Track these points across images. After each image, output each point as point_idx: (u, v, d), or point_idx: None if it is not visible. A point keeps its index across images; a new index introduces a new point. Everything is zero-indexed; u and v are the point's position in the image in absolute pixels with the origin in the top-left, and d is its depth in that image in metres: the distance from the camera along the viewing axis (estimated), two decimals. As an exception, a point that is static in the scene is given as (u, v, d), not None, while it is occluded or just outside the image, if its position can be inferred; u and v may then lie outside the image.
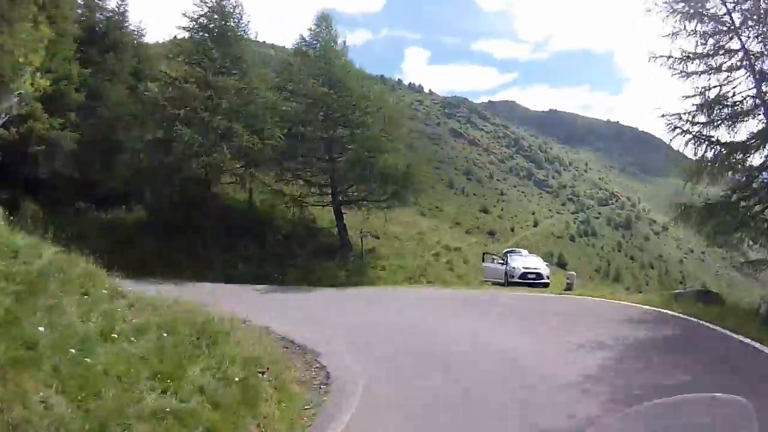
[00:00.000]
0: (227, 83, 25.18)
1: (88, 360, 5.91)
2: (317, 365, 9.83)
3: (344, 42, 30.12)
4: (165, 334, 7.50)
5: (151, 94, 24.71)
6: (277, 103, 27.09)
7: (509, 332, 12.12)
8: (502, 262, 24.00)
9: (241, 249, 25.58)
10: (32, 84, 14.09)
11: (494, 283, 23.37)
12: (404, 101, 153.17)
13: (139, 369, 6.24)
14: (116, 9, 32.74)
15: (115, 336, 6.98)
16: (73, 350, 6.04)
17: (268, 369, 8.06)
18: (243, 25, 28.27)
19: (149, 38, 39.91)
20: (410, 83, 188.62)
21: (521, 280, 22.43)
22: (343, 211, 28.21)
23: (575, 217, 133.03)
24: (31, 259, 9.04)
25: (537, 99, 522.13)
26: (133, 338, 7.07)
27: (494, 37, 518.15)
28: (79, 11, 30.97)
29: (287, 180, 28.30)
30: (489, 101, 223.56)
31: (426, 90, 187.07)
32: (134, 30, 33.81)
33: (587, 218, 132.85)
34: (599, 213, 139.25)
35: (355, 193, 28.44)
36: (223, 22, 27.19)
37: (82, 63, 28.34)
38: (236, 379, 6.97)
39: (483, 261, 26.23)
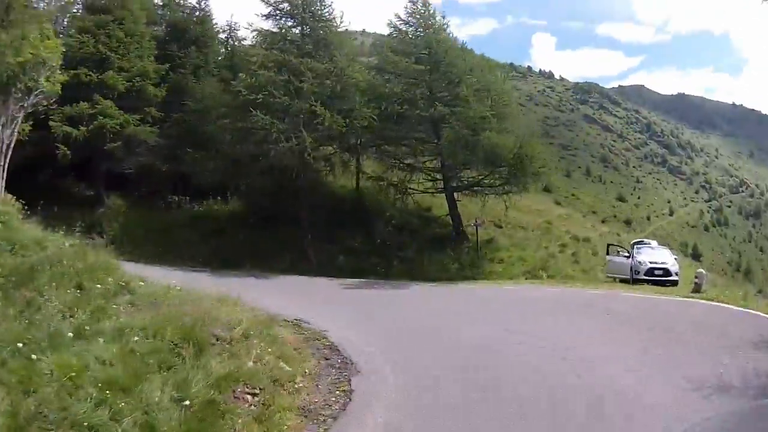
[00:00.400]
0: (310, 66, 23.66)
1: (33, 357, 5.72)
2: (345, 388, 7.69)
3: (443, 17, 27.62)
4: (147, 338, 6.80)
5: (236, 85, 23.99)
6: (372, 84, 25.36)
7: (607, 356, 9.08)
8: (627, 255, 20.53)
9: (346, 240, 24.09)
10: (48, 80, 14.11)
11: (620, 280, 20.07)
12: (535, 88, 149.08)
13: (94, 374, 5.72)
14: (197, 5, 33.27)
15: (89, 335, 6.62)
16: (20, 344, 5.89)
17: (261, 390, 6.56)
18: (328, 6, 26.47)
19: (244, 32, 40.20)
20: (540, 70, 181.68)
21: (647, 277, 19.05)
22: (457, 198, 25.86)
23: (708, 205, 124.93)
24: (31, 253, 9.33)
25: (664, 82, 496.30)
26: (108, 339, 6.56)
27: (617, 20, 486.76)
28: (159, 12, 32.64)
29: (393, 165, 26.14)
30: (619, 86, 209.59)
31: (556, 76, 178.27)
32: (221, 24, 34.79)
33: (719, 207, 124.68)
34: (730, 201, 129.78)
35: (470, 178, 25.89)
36: (307, 6, 25.69)
37: (164, 60, 29.11)
38: (196, 402, 5.75)
39: (607, 254, 22.76)
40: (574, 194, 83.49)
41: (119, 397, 5.37)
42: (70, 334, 6.41)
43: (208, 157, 25.17)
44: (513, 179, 23.93)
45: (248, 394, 6.45)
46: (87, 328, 6.72)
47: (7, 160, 13.65)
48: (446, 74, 25.01)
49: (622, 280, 19.92)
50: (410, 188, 25.58)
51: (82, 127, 24.48)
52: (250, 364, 7.13)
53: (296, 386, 7.36)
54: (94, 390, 5.39)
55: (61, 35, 23.21)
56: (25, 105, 14.32)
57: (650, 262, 19.57)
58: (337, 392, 7.48)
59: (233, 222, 25.54)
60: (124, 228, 26.15)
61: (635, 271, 19.33)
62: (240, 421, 5.80)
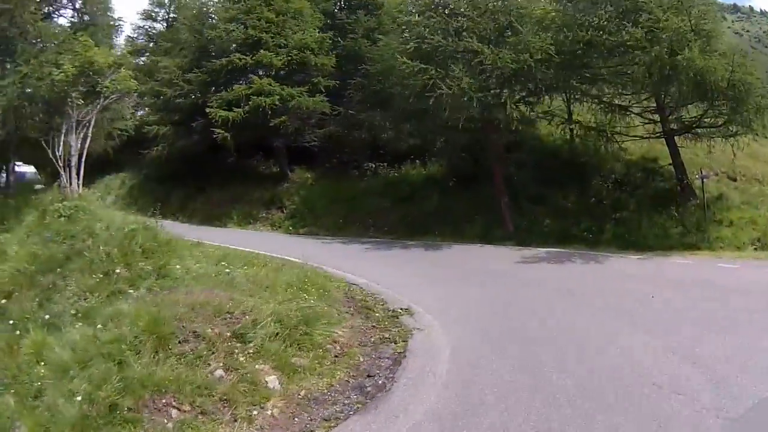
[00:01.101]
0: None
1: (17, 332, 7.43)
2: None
3: None
4: (123, 326, 6.75)
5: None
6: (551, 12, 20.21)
7: None
8: None
9: (557, 200, 20.04)
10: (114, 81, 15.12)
11: None
12: (761, 29, 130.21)
13: (50, 354, 6.42)
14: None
15: (84, 319, 7.41)
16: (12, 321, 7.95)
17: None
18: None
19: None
20: (761, 10, 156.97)
21: None
22: (678, 144, 20.48)
23: None
24: (75, 242, 10.73)
25: None
26: (99, 323, 6.94)
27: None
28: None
29: (602, 107, 20.92)
30: None
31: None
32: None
33: None
34: None
35: (691, 118, 20.08)
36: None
37: (332, 29, 28.24)
38: (100, 403, 5.40)
39: None
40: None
41: (48, 380, 5.92)
42: (72, 315, 7.54)
43: (398, 120, 22.98)
44: (735, 116, 18.05)
45: (175, 408, 5.62)
46: (84, 312, 7.67)
47: (82, 161, 14.48)
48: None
49: None
50: (617, 133, 20.49)
51: (237, 109, 24.33)
52: (219, 373, 6.28)
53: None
54: (40, 369, 6.24)
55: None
56: (96, 108, 15.03)
57: None
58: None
59: (429, 186, 22.92)
60: (305, 201, 25.37)
61: None
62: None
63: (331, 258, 15.66)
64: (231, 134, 24.60)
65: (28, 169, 29.77)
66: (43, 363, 6.38)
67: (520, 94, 19.60)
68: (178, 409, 5.66)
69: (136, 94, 18.53)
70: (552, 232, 17.88)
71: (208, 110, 24.87)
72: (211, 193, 28.55)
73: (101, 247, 10.05)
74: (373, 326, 9.08)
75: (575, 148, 21.45)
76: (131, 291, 8.54)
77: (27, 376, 6.40)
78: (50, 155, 14.24)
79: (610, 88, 19.11)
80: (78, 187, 14.30)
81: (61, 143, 14.21)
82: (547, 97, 20.14)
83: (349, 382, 6.95)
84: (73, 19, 16.51)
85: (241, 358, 6.69)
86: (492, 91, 17.71)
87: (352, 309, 9.95)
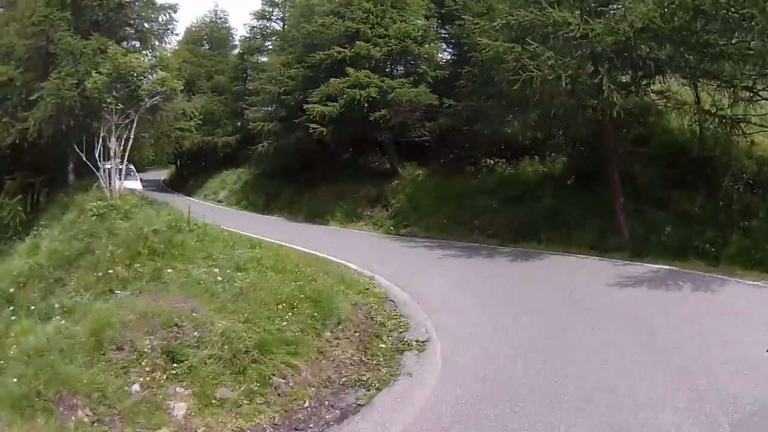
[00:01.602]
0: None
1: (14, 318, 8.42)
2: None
3: None
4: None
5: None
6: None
7: None
8: None
9: (681, 204, 17.13)
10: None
11: None
12: None
13: (24, 344, 6.79)
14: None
15: (68, 314, 8.14)
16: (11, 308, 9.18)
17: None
18: None
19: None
20: None
21: None
22: None
23: None
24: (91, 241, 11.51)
25: None
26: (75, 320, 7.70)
27: None
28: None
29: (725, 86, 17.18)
30: None
31: None
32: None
33: None
34: None
35: None
36: None
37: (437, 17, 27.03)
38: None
39: None
40: None
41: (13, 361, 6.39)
42: (58, 309, 8.30)
43: (510, 110, 21.18)
44: None
45: (81, 410, 5.74)
46: (69, 307, 8.20)
47: (124, 161, 15.18)
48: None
49: None
50: (746, 122, 16.82)
51: (332, 103, 23.73)
52: (135, 387, 6.28)
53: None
54: (11, 351, 6.77)
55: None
56: (138, 111, 15.51)
57: None
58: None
59: (543, 185, 20.81)
60: (411, 199, 24.08)
61: None
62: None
63: (402, 265, 14.77)
64: (329, 129, 24.04)
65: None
66: (16, 347, 6.87)
67: (622, 76, 16.78)
68: (83, 412, 5.84)
69: (182, 93, 18.61)
70: (671, 243, 15.21)
71: (305, 106, 24.49)
72: (318, 190, 28.23)
73: (109, 247, 10.76)
74: (362, 361, 7.85)
75: (705, 142, 18.34)
76: (119, 291, 9.06)
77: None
78: (84, 158, 15.07)
79: (733, 65, 15.60)
80: (119, 186, 14.95)
81: (99, 146, 14.96)
82: (659, 79, 17.06)
83: (265, 430, 6.07)
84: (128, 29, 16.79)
85: (162, 377, 6.46)
86: (585, 70, 15.45)
87: (356, 334, 8.87)
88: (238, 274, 9.95)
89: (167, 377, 6.45)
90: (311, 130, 24.31)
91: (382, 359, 7.89)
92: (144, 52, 15.93)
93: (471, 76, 23.39)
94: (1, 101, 15.60)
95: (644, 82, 16.98)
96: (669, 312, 9.87)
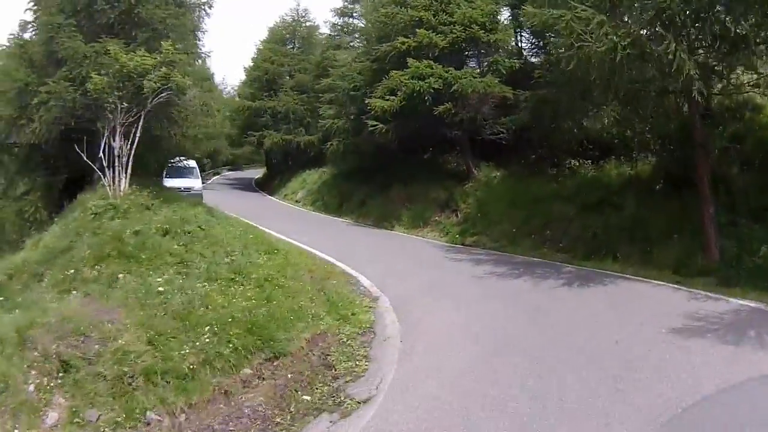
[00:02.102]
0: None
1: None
2: None
3: None
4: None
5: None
6: None
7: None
8: None
9: None
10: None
11: None
12: None
13: None
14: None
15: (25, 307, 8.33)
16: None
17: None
18: None
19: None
20: None
21: None
22: None
23: None
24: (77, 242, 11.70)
25: None
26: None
27: None
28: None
29: None
30: None
31: None
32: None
33: None
34: None
35: None
36: None
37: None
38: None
39: None
40: None
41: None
42: (26, 304, 8.45)
43: (589, 102, 18.43)
44: None
45: None
46: (24, 304, 8.40)
47: (129, 165, 14.93)
48: None
49: None
50: None
51: (391, 97, 22.07)
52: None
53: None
54: None
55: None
56: (143, 109, 15.22)
57: None
58: None
59: (627, 190, 17.92)
60: (481, 204, 21.79)
61: None
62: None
63: (427, 285, 13.14)
64: (392, 126, 22.34)
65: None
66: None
67: (698, 49, 13.34)
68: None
69: (196, 91, 18.11)
70: (765, 269, 12.00)
71: (366, 101, 22.96)
72: (390, 191, 26.53)
73: (84, 247, 11.02)
74: (266, 416, 6.71)
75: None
76: (74, 292, 9.33)
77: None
78: (84, 158, 14.76)
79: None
80: (123, 186, 14.60)
81: (103, 146, 14.72)
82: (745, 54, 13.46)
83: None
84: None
85: (51, 384, 6.50)
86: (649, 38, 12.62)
87: (288, 376, 7.74)
88: (200, 284, 9.63)
89: (55, 385, 6.50)
90: (371, 128, 22.80)
91: (289, 419, 6.37)
92: (157, 51, 15.22)
93: (548, 65, 20.91)
94: (21, 105, 15.85)
95: (728, 59, 13.27)
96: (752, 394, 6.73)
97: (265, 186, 47.11)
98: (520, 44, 25.40)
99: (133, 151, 14.89)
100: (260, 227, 18.53)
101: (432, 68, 21.55)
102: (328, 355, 8.39)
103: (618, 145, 19.98)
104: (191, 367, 7.12)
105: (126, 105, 14.82)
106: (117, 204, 13.39)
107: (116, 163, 14.59)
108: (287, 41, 47.19)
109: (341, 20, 40.10)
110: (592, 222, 17.36)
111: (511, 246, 18.35)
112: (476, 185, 23.07)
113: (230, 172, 62.67)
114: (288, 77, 43.69)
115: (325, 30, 43.43)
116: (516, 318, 10.48)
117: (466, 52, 23.90)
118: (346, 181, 31.30)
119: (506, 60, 22.53)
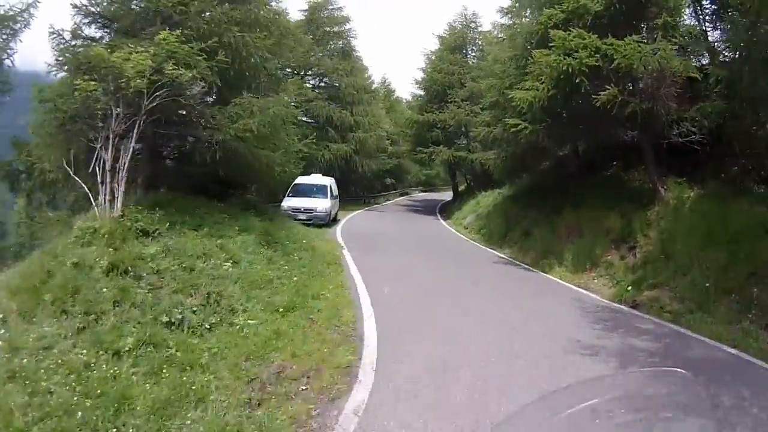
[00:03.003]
0: None
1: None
2: None
3: None
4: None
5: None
6: None
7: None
8: None
9: None
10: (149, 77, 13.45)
11: None
12: None
13: None
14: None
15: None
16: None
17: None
18: None
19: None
20: None
21: None
22: None
23: None
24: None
25: None
26: None
27: None
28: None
29: None
30: None
31: None
32: None
33: None
34: None
35: None
36: None
37: None
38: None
39: None
40: None
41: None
42: None
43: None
44: None
45: None
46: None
47: (122, 178, 12.98)
48: None
49: None
50: None
51: (536, 84, 16.78)
52: None
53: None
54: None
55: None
56: (141, 114, 13.62)
57: None
58: None
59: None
60: (666, 238, 14.93)
61: None
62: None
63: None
64: (542, 126, 17.27)
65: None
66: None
67: None
68: None
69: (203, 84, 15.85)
70: None
71: (508, 93, 18.00)
72: (558, 219, 20.49)
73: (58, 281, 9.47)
74: None
75: None
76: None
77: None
78: (71, 174, 13.40)
79: None
80: (118, 205, 12.54)
81: (96, 158, 13.12)
82: None
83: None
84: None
85: None
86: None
87: None
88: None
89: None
90: (511, 128, 17.73)
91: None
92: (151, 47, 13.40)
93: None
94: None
95: None
96: None
97: (447, 209, 42.76)
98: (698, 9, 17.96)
99: (127, 164, 13.05)
100: (356, 265, 16.64)
101: (583, 38, 15.25)
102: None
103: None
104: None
105: (118, 110, 13.20)
106: (97, 228, 11.33)
107: (107, 178, 12.72)
108: (459, 48, 43.09)
109: (511, 21, 34.80)
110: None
111: (700, 312, 11.69)
112: (662, 210, 16.17)
113: (422, 194, 59.73)
114: (459, 87, 39.39)
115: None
116: None
117: (632, 21, 17.13)
118: (514, 204, 25.77)
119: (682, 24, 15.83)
